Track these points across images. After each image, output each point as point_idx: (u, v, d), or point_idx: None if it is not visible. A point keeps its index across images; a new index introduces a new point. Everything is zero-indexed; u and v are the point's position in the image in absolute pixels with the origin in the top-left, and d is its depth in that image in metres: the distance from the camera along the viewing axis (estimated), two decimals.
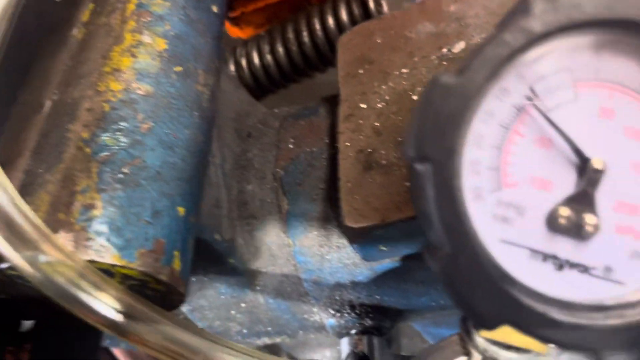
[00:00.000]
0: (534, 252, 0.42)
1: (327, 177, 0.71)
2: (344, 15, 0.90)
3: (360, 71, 0.71)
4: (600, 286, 0.42)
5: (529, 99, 0.42)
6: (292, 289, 0.75)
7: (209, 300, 0.78)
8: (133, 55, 0.63)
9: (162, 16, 0.68)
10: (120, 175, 0.54)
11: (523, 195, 0.42)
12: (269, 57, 0.95)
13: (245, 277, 0.74)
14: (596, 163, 0.41)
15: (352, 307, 0.75)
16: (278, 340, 0.86)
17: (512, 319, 0.40)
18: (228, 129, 0.76)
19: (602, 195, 0.42)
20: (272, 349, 0.98)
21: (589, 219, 0.42)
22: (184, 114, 0.62)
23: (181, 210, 0.57)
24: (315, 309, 0.77)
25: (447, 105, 0.40)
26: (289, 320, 0.79)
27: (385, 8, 0.92)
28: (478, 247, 0.40)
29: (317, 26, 0.92)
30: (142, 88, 0.61)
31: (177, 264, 0.55)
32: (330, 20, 0.91)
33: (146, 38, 0.66)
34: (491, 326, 0.40)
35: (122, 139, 0.57)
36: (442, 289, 0.73)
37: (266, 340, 0.86)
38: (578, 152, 0.42)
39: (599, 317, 0.41)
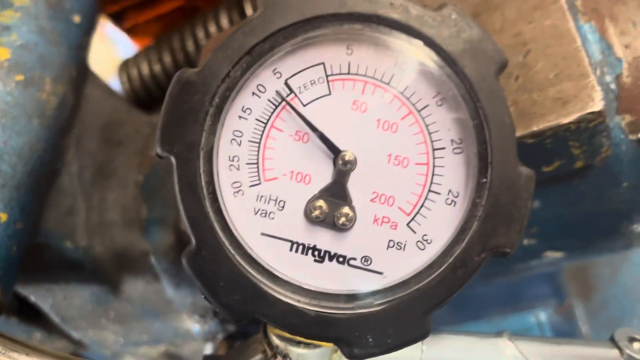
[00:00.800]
0: (295, 244, 0.42)
1: None
2: (224, 22, 0.91)
3: None
4: (359, 276, 0.42)
5: (284, 94, 0.42)
6: (156, 296, 0.75)
7: (78, 310, 0.77)
8: None
9: (9, 27, 0.68)
10: None
11: (283, 189, 0.43)
12: (157, 67, 0.96)
13: (108, 286, 0.74)
14: (346, 155, 0.42)
15: (215, 312, 0.74)
16: (162, 348, 0.86)
17: (261, 311, 0.40)
18: (93, 137, 0.77)
19: (358, 187, 0.43)
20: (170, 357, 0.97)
21: (343, 210, 0.42)
22: (19, 122, 0.63)
23: (3, 216, 0.57)
24: (183, 316, 0.77)
25: (188, 101, 0.40)
26: (161, 328, 0.79)
27: None
28: (223, 241, 0.40)
29: (201, 34, 0.93)
30: None
31: None
32: (212, 28, 0.92)
33: None
34: (240, 319, 0.40)
35: None
36: None
37: (149, 349, 0.86)
38: (330, 145, 0.42)
39: (348, 307, 0.41)
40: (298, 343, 0.46)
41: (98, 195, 0.73)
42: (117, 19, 0.99)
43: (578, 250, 0.66)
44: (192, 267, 0.40)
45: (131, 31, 1.03)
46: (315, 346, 0.46)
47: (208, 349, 0.74)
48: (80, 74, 0.74)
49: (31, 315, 0.81)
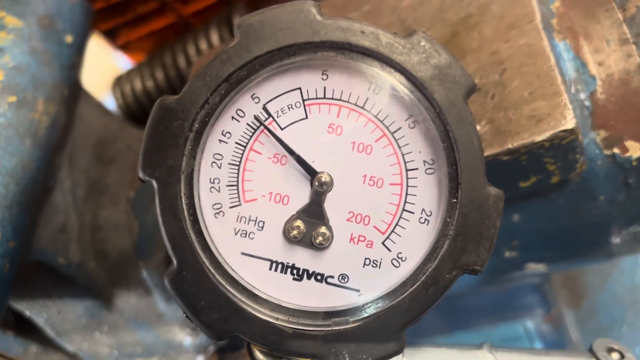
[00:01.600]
0: (274, 263, 0.44)
1: None
2: (215, 38, 0.93)
3: None
4: (336, 293, 0.44)
5: (262, 119, 0.44)
6: (148, 309, 0.76)
7: (72, 324, 0.79)
8: None
9: (3, 49, 0.70)
10: None
11: (262, 209, 0.44)
12: (149, 83, 0.98)
13: (101, 300, 0.76)
14: (323, 177, 0.43)
15: None
16: None
17: (241, 329, 0.42)
18: (85, 155, 0.78)
19: (335, 207, 0.44)
20: None
21: (320, 229, 0.44)
22: (12, 143, 0.65)
23: None
24: (175, 329, 0.78)
25: (168, 127, 0.42)
26: (154, 341, 0.80)
27: None
28: (203, 261, 0.42)
29: (192, 51, 0.95)
30: None
31: None
32: (203, 45, 0.94)
33: None
34: (220, 337, 0.42)
35: None
36: None
37: None
38: (307, 167, 0.44)
39: (325, 324, 0.42)
40: (280, 358, 0.47)
41: (90, 212, 0.75)
42: (111, 36, 1.01)
43: (559, 261, 0.67)
44: (174, 287, 0.41)
45: (125, 47, 1.05)
46: None
47: None
48: (72, 93, 0.76)
49: (27, 329, 0.83)
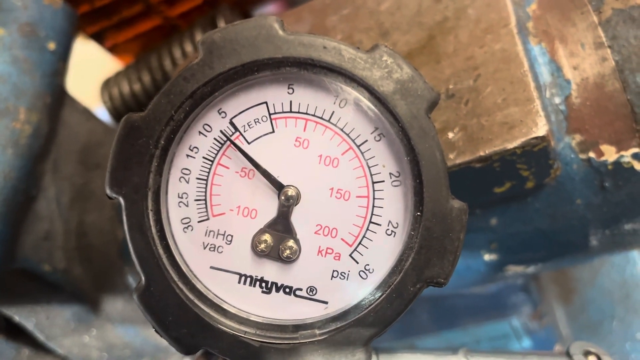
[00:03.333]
0: (243, 276, 0.44)
1: None
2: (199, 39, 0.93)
3: None
4: (305, 306, 0.44)
5: (229, 133, 0.44)
6: (135, 314, 0.77)
7: (61, 328, 0.80)
8: None
9: None
10: None
11: (230, 223, 0.45)
12: (137, 86, 0.98)
13: (88, 305, 0.77)
14: (289, 191, 0.44)
15: None
16: None
17: (209, 344, 0.42)
18: (70, 161, 0.79)
19: (302, 220, 0.44)
20: None
21: (288, 242, 0.44)
22: None
23: None
24: None
25: (134, 144, 0.42)
26: (142, 344, 0.81)
27: None
28: (171, 277, 0.42)
29: (178, 53, 0.95)
30: None
31: None
32: (188, 47, 0.94)
33: None
34: (188, 352, 0.43)
35: None
36: None
37: None
38: (274, 181, 0.44)
39: (293, 337, 0.43)
40: None
41: (76, 218, 0.76)
42: (98, 38, 1.01)
43: (539, 263, 0.67)
44: (142, 302, 0.42)
45: (112, 50, 1.05)
46: None
47: None
48: (55, 100, 0.76)
49: (19, 332, 0.84)
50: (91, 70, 1.13)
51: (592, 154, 0.56)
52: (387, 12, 0.65)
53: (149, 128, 0.42)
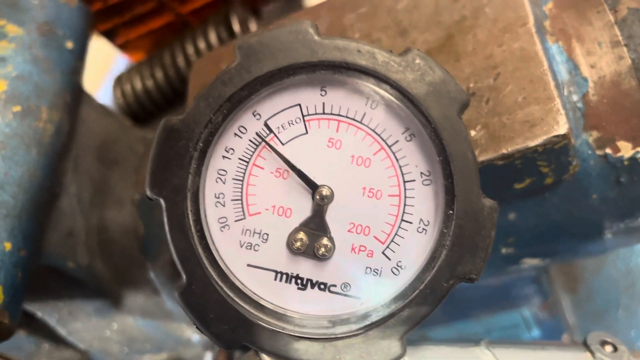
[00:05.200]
0: (279, 273, 0.46)
1: None
2: (213, 38, 0.94)
3: None
4: (339, 302, 0.46)
5: (264, 135, 0.46)
6: (156, 308, 0.78)
7: (83, 323, 0.81)
8: None
9: (5, 58, 0.71)
10: None
11: (266, 222, 0.46)
12: (149, 82, 0.99)
13: (110, 300, 0.78)
14: (323, 190, 0.45)
15: None
16: (164, 356, 0.90)
17: (248, 339, 0.44)
18: (89, 158, 0.80)
19: (336, 218, 0.46)
20: None
21: (323, 241, 0.45)
22: (18, 152, 0.66)
23: (7, 245, 0.61)
24: (183, 326, 0.81)
25: (174, 147, 0.43)
26: (162, 338, 0.83)
27: (253, 28, 0.96)
28: (211, 275, 0.43)
29: (191, 50, 0.96)
30: None
31: None
32: (202, 44, 0.95)
33: None
34: (229, 347, 0.44)
35: None
36: None
37: (153, 357, 0.90)
38: (308, 181, 0.45)
39: (329, 331, 0.44)
40: None
41: (96, 214, 0.77)
42: (110, 36, 1.02)
43: (554, 256, 0.69)
44: (184, 300, 0.43)
45: (123, 47, 1.06)
46: None
47: (208, 357, 0.77)
48: (74, 98, 0.77)
49: (39, 327, 0.85)
50: (100, 66, 1.14)
51: (608, 150, 0.58)
52: (404, 10, 0.66)
53: (188, 131, 0.43)
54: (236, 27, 0.90)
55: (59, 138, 0.73)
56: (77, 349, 0.88)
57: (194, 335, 0.79)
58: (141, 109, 1.00)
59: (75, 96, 0.78)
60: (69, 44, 0.78)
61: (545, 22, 0.61)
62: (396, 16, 0.66)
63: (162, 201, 0.43)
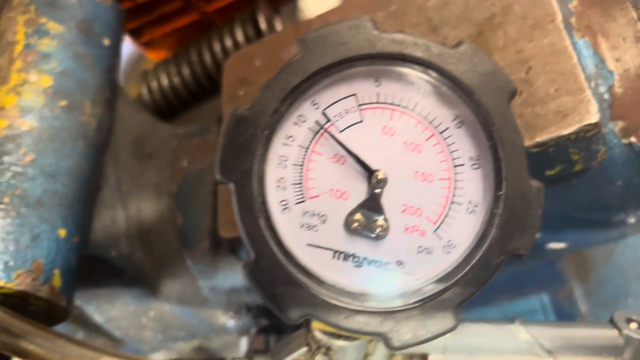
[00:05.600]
0: (337, 252, 0.49)
1: (216, 192, 0.78)
2: (239, 36, 0.97)
3: (241, 92, 0.78)
4: (395, 278, 0.49)
5: (322, 123, 0.49)
6: (193, 295, 0.81)
7: (120, 311, 0.84)
8: (18, 94, 0.70)
9: (49, 54, 0.74)
10: (1, 206, 0.60)
11: (324, 204, 0.49)
12: (176, 80, 1.02)
13: (148, 288, 0.81)
14: (379, 174, 0.48)
15: (249, 309, 0.82)
16: (195, 343, 0.93)
17: (313, 313, 0.47)
18: (126, 152, 0.83)
19: (390, 200, 0.49)
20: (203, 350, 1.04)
21: (378, 221, 0.49)
22: (67, 145, 0.69)
23: (62, 232, 0.64)
24: (218, 313, 0.84)
25: (242, 134, 0.47)
26: (197, 325, 0.86)
27: (279, 26, 0.99)
28: (277, 253, 0.47)
29: (217, 48, 0.99)
30: (26, 123, 0.68)
31: (57, 282, 0.61)
32: (228, 42, 0.98)
33: (32, 76, 0.73)
34: (295, 320, 0.47)
35: (4, 172, 0.63)
36: None
37: (184, 344, 0.93)
38: (365, 166, 0.49)
39: (386, 305, 0.48)
40: (339, 336, 0.53)
41: (135, 206, 0.80)
42: (136, 34, 1.05)
43: (578, 240, 0.73)
44: (253, 277, 0.46)
45: (148, 45, 1.09)
46: (354, 339, 0.53)
47: (243, 343, 0.81)
48: (112, 95, 0.80)
49: (75, 315, 0.88)
50: None
51: (633, 139, 0.62)
52: (434, 8, 0.70)
53: (255, 119, 0.47)
54: (263, 25, 0.94)
55: (101, 132, 0.76)
56: (111, 337, 0.91)
57: (230, 322, 0.82)
58: (167, 106, 1.03)
59: (112, 92, 0.81)
60: (106, 41, 0.81)
61: (571, 18, 0.64)
62: (426, 14, 0.69)
63: (231, 185, 0.46)
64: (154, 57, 1.13)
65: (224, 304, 0.81)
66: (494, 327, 0.60)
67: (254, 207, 0.47)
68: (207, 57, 0.99)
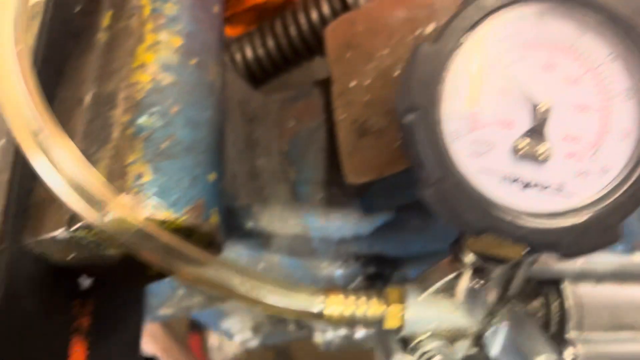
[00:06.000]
0: (504, 176, 0.55)
1: (326, 147, 0.83)
2: (325, 8, 1.02)
3: (347, 55, 0.83)
4: (555, 199, 0.55)
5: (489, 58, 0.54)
6: (302, 247, 0.86)
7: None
8: (155, 52, 0.74)
9: (175, 17, 0.79)
10: (160, 149, 0.65)
11: (492, 133, 0.55)
12: (260, 51, 1.07)
13: (261, 240, 0.86)
14: (543, 106, 0.54)
15: (356, 258, 0.87)
16: None
17: (492, 227, 0.52)
18: (235, 113, 0.88)
19: (553, 129, 0.55)
20: None
21: (542, 147, 0.54)
22: (203, 98, 0.74)
23: (212, 176, 0.69)
24: (323, 264, 0.89)
25: (427, 66, 0.52)
26: (302, 276, 0.91)
27: (362, 1, 1.04)
28: (459, 175, 0.52)
29: (303, 20, 1.04)
30: (166, 78, 0.73)
31: (214, 219, 0.66)
32: (314, 15, 1.03)
33: (164, 37, 0.77)
34: (477, 232, 0.53)
35: (157, 120, 0.68)
36: (432, 236, 0.85)
37: None
38: (530, 98, 0.54)
39: (554, 222, 0.53)
40: (488, 259, 0.58)
41: (248, 162, 0.85)
42: None
43: None
44: (437, 196, 0.52)
45: (229, 19, 1.13)
46: (505, 262, 0.59)
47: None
48: (224, 59, 0.85)
49: None
50: None
51: None
52: None
53: (439, 56, 0.52)
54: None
55: (222, 92, 0.81)
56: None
57: (337, 271, 0.87)
58: (250, 77, 1.07)
59: (223, 56, 0.86)
60: (215, 8, 0.86)
61: None
62: None
63: (414, 116, 0.52)
64: (231, 32, 1.17)
65: (332, 254, 0.86)
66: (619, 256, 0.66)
67: (435, 135, 0.52)
68: (293, 29, 1.03)
